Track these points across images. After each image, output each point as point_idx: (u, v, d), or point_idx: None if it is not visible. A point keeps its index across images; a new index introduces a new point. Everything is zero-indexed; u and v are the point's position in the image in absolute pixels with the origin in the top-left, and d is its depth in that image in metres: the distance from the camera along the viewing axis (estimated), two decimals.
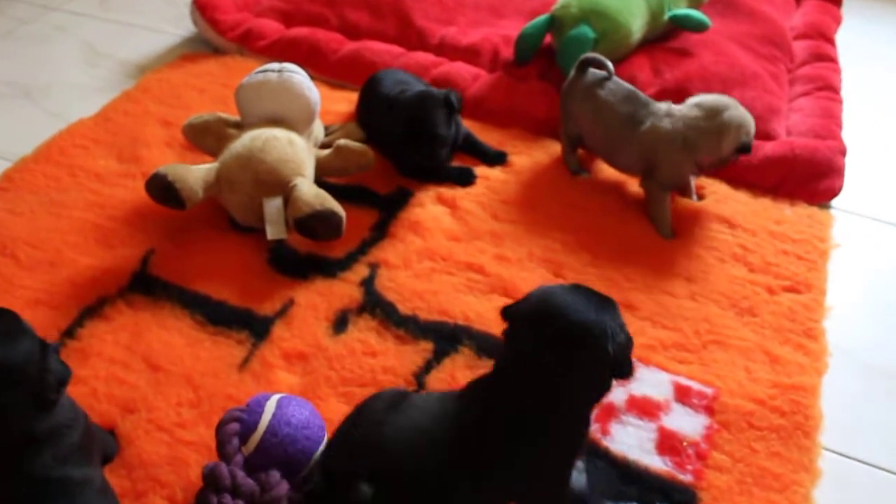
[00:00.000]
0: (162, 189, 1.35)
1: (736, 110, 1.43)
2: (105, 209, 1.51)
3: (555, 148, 1.68)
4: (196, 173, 1.37)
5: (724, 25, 1.99)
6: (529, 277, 1.38)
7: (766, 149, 1.64)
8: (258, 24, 2.00)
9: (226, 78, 1.89)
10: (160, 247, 1.43)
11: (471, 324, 1.30)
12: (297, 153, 1.43)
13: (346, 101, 1.82)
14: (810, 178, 1.60)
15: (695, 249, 1.47)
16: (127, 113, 1.78)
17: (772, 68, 1.89)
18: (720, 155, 1.44)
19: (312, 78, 1.88)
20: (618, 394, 1.20)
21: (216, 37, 2.00)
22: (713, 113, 1.43)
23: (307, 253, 1.42)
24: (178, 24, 2.21)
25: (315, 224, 1.34)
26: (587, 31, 1.73)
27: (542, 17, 1.80)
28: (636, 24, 1.79)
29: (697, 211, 1.55)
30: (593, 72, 1.55)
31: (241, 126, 1.58)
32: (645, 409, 1.18)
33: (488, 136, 1.72)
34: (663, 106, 1.50)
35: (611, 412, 1.17)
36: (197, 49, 2.07)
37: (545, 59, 1.85)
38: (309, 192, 1.36)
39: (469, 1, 2.08)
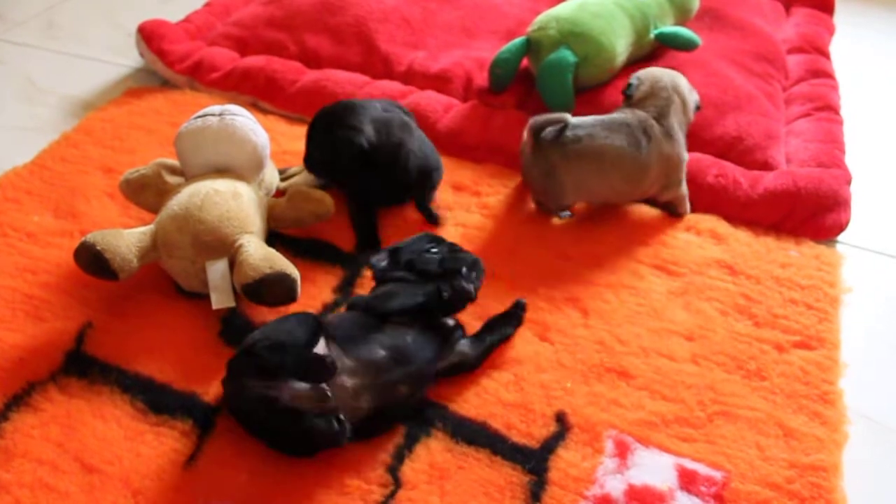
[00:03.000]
0: (91, 260, 1.19)
1: (664, 73, 1.47)
2: (37, 275, 1.35)
3: None
4: (129, 239, 1.21)
5: (713, 41, 1.85)
6: (510, 342, 1.24)
7: (766, 181, 1.51)
8: (210, 54, 1.84)
9: (174, 115, 1.73)
10: (98, 319, 1.27)
11: (446, 403, 1.15)
12: (242, 207, 1.27)
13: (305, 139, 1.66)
14: (815, 213, 1.47)
15: (694, 301, 1.33)
16: (65, 159, 1.61)
17: (767, 88, 1.75)
18: (690, 119, 1.48)
19: (269, 113, 1.75)
20: (615, 483, 1.06)
21: (164, 69, 1.84)
22: (658, 88, 1.44)
23: (262, 324, 1.26)
24: (126, 54, 2.04)
25: (264, 290, 1.18)
26: (567, 54, 1.58)
27: (518, 40, 1.65)
28: (620, 45, 1.65)
29: (694, 254, 1.41)
30: (550, 130, 1.39)
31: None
32: (646, 501, 1.04)
33: (462, 174, 1.58)
34: (629, 114, 1.43)
35: None
36: (145, 82, 1.91)
37: (523, 85, 1.71)
38: (256, 253, 1.20)
39: (439, 21, 1.93)
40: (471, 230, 1.45)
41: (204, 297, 1.27)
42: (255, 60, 1.81)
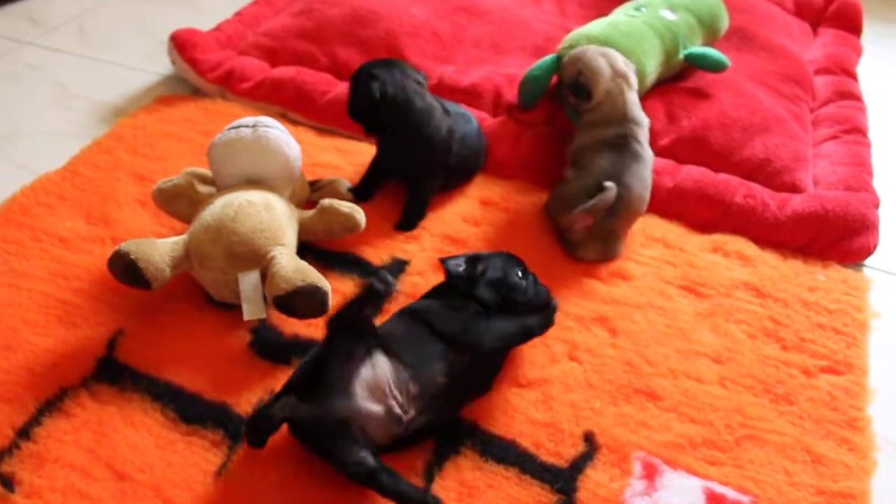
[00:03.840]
0: (125, 269, 1.20)
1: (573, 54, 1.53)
2: (69, 280, 1.37)
3: None
4: (162, 248, 1.23)
5: (741, 61, 1.85)
6: (539, 361, 1.24)
7: (794, 204, 1.51)
8: (241, 63, 1.86)
9: (206, 124, 1.75)
10: (130, 326, 1.28)
11: (475, 420, 1.16)
12: (274, 219, 1.28)
13: (335, 151, 1.68)
14: (843, 236, 1.47)
15: (721, 323, 1.33)
16: (97, 165, 1.63)
17: (795, 109, 1.75)
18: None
19: (299, 124, 1.76)
20: None
21: (196, 77, 1.86)
22: (575, 59, 1.50)
23: (292, 335, 1.27)
24: (157, 61, 2.06)
25: (296, 302, 1.19)
26: None
27: (549, 58, 1.66)
28: (651, 65, 1.65)
29: (721, 275, 1.41)
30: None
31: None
32: None
33: (490, 189, 1.59)
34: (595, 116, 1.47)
35: None
36: (176, 89, 1.93)
37: (552, 101, 1.71)
38: (288, 265, 1.21)
39: (468, 36, 1.94)
40: (498, 246, 1.46)
41: (235, 308, 1.29)
42: (285, 71, 1.83)
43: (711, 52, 1.72)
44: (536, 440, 1.13)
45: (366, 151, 1.66)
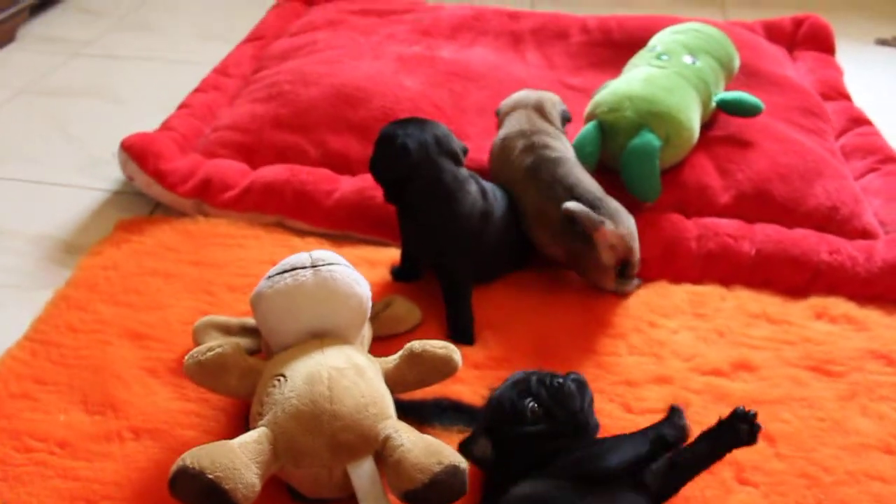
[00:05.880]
0: (204, 493, 0.89)
1: (517, 98, 1.51)
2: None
3: None
4: (243, 455, 0.93)
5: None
6: (711, 495, 1.06)
7: (880, 252, 1.41)
8: (217, 168, 1.55)
9: (194, 252, 1.44)
10: None
11: None
12: (372, 387, 1.02)
13: (364, 263, 1.40)
14: None
15: (868, 404, 1.19)
16: (74, 328, 1.28)
17: (827, 145, 1.68)
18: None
19: (305, 234, 1.50)
20: None
21: (164, 193, 1.53)
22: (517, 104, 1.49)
23: None
24: (89, 172, 1.71)
25: (435, 493, 0.94)
26: (652, 137, 1.43)
27: (591, 126, 1.48)
28: (695, 120, 1.52)
29: (842, 346, 1.29)
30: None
31: (257, 332, 1.19)
32: None
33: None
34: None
35: None
36: (132, 207, 1.59)
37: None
38: (414, 446, 0.95)
39: (469, 103, 1.74)
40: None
41: (330, 502, 1.02)
42: (275, 172, 1.54)
43: (745, 96, 1.61)
44: None
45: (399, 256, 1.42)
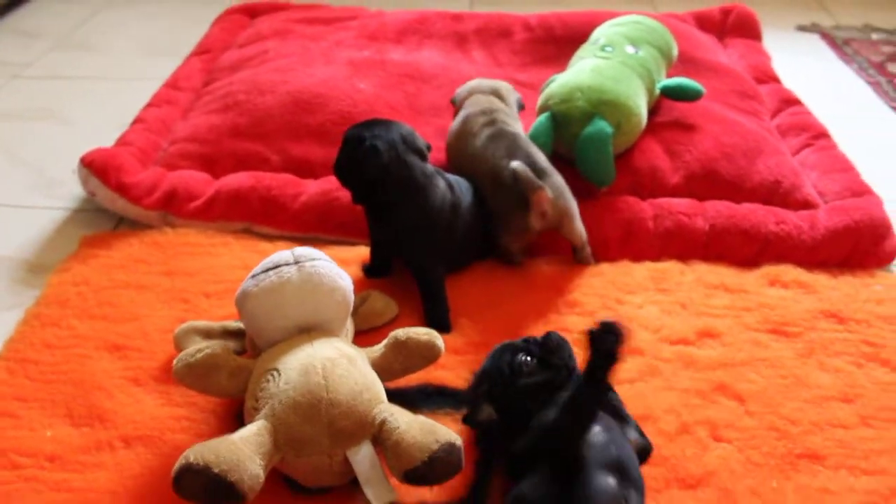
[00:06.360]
0: (210, 488, 0.91)
1: (472, 85, 1.58)
2: None
3: None
4: (245, 447, 0.95)
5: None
6: (690, 453, 1.12)
7: (822, 221, 1.51)
8: (181, 180, 1.55)
9: (165, 262, 1.44)
10: None
11: None
12: (364, 373, 1.05)
13: (337, 262, 1.43)
14: (875, 243, 1.49)
15: (825, 360, 1.28)
16: (50, 345, 1.27)
17: (764, 125, 1.78)
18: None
19: (275, 238, 1.52)
20: None
21: (129, 206, 1.52)
22: (473, 90, 1.56)
23: None
24: (40, 191, 1.69)
25: (435, 470, 0.97)
26: (604, 125, 1.50)
27: (543, 118, 1.54)
28: (643, 107, 1.60)
29: (795, 309, 1.38)
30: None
31: (240, 334, 1.22)
32: None
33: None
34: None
35: None
36: (94, 224, 1.58)
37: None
38: (410, 427, 0.98)
39: (423, 104, 1.78)
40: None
41: (331, 491, 1.04)
42: (239, 179, 1.55)
43: (686, 81, 1.69)
44: None
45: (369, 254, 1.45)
